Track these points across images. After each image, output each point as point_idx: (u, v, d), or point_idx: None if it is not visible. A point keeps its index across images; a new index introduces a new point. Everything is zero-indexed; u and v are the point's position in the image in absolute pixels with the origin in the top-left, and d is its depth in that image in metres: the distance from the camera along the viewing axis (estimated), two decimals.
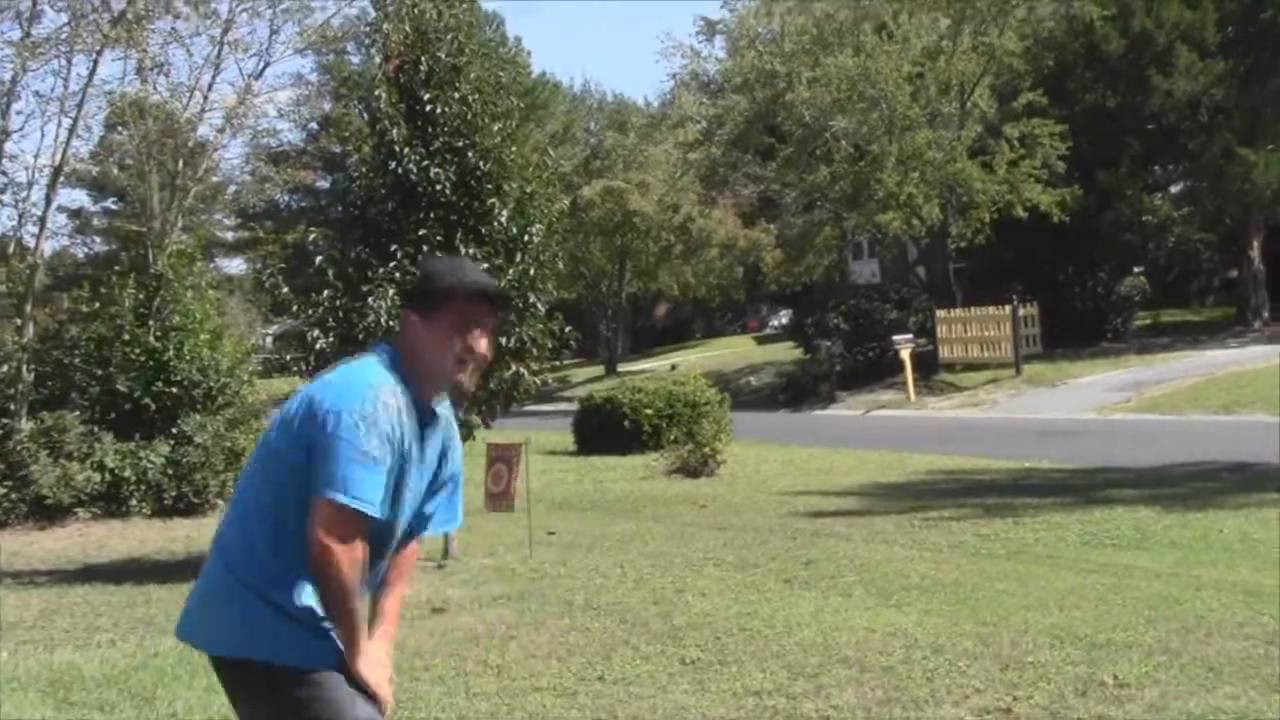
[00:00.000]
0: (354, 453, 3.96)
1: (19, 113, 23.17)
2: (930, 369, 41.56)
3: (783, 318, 62.70)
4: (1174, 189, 48.04)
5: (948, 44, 42.23)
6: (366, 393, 4.08)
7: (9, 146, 22.86)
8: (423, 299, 4.29)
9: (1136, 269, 50.09)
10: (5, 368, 22.02)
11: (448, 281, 4.26)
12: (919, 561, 13.40)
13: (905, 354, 39.67)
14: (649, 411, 28.66)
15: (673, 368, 44.75)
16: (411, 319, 4.28)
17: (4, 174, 22.75)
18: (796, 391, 44.10)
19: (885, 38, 42.13)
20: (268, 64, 25.25)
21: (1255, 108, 43.17)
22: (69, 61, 23.01)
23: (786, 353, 49.49)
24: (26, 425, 20.87)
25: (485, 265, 14.38)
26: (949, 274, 46.19)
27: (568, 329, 15.47)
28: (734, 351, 59.34)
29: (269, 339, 53.38)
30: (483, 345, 4.26)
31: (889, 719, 7.89)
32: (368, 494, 3.98)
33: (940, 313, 43.12)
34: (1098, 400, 33.57)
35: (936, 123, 43.00)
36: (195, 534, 18.87)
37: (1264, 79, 42.73)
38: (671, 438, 26.63)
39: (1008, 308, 40.77)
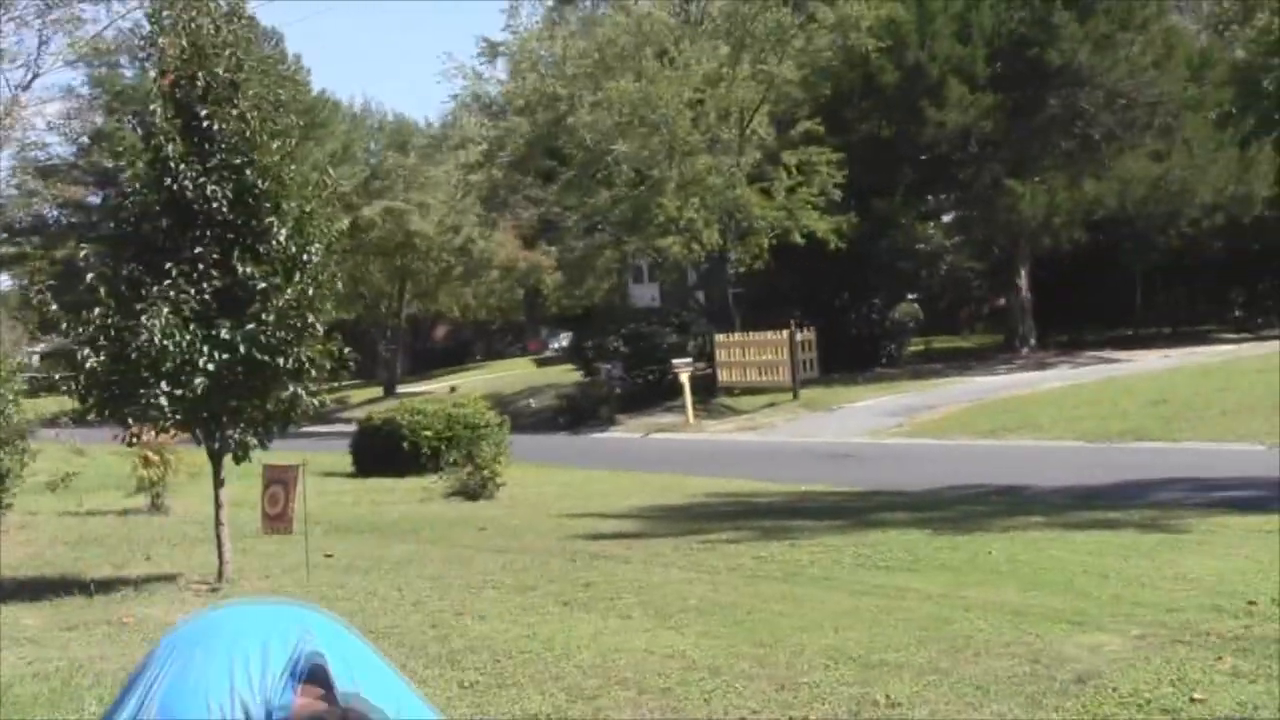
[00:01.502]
0: None
1: None
2: (709, 393, 41.97)
3: (563, 340, 62.78)
4: (946, 218, 49.33)
5: (728, 71, 42.75)
6: None
7: None
8: None
9: (910, 296, 51.30)
10: None
11: None
12: (697, 583, 13.51)
13: (684, 377, 39.95)
14: (428, 433, 28.47)
15: (452, 389, 44.50)
16: None
17: None
18: (576, 414, 44.15)
19: (667, 63, 42.50)
20: (36, 75, 24.59)
21: (1022, 141, 44.62)
22: None
23: (567, 375, 49.59)
24: None
25: (263, 284, 14.19)
26: (728, 299, 46.69)
27: (346, 350, 15.30)
28: (514, 374, 59.25)
29: (36, 357, 51.80)
30: None
31: None
32: None
33: (719, 337, 43.57)
34: (872, 424, 34.25)
35: (717, 149, 43.48)
36: None
37: (1030, 114, 44.15)
38: (451, 460, 26.47)
39: (786, 333, 41.35)
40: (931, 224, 47.89)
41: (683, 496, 22.91)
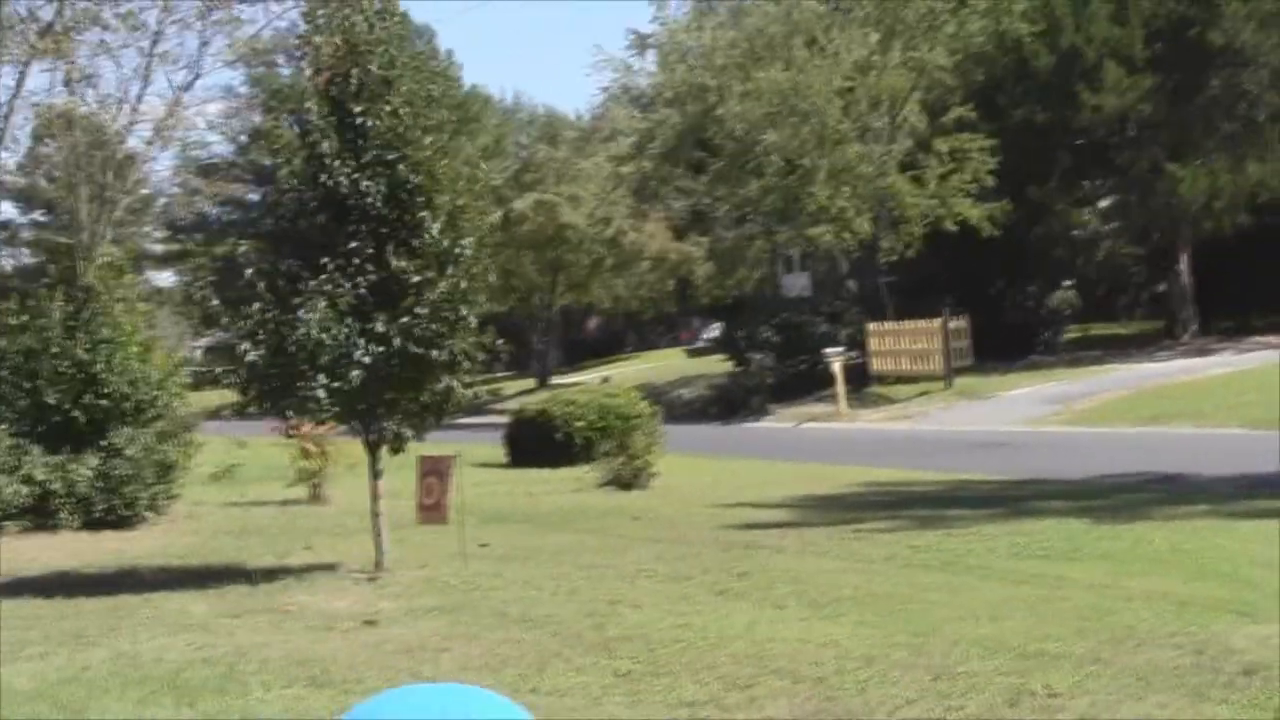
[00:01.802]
0: None
1: None
2: (862, 382, 41.66)
3: (714, 331, 62.63)
4: (1103, 203, 48.43)
5: (878, 59, 42.40)
6: None
7: None
8: None
9: (1066, 283, 50.47)
10: None
11: None
12: (851, 573, 13.44)
13: (836, 367, 39.69)
14: (581, 424, 28.60)
15: (605, 380, 44.68)
16: None
17: None
18: (728, 404, 44.10)
19: (816, 52, 42.27)
20: (197, 76, 25.04)
21: (1182, 123, 43.60)
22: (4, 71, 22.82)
23: (718, 366, 49.50)
24: None
25: (417, 278, 14.38)
26: (880, 287, 46.35)
27: (499, 342, 15.45)
28: (666, 364, 59.29)
29: (199, 352, 52.93)
30: None
31: None
32: None
33: (871, 326, 43.24)
34: (1028, 413, 33.81)
35: (867, 137, 43.18)
36: (124, 547, 18.73)
37: (1190, 95, 43.15)
38: (604, 450, 26.55)
39: (938, 321, 40.93)
40: (1087, 210, 47.01)
41: (836, 486, 22.79)
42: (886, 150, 42.34)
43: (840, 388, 39.50)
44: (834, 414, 39.06)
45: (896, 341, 42.69)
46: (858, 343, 43.01)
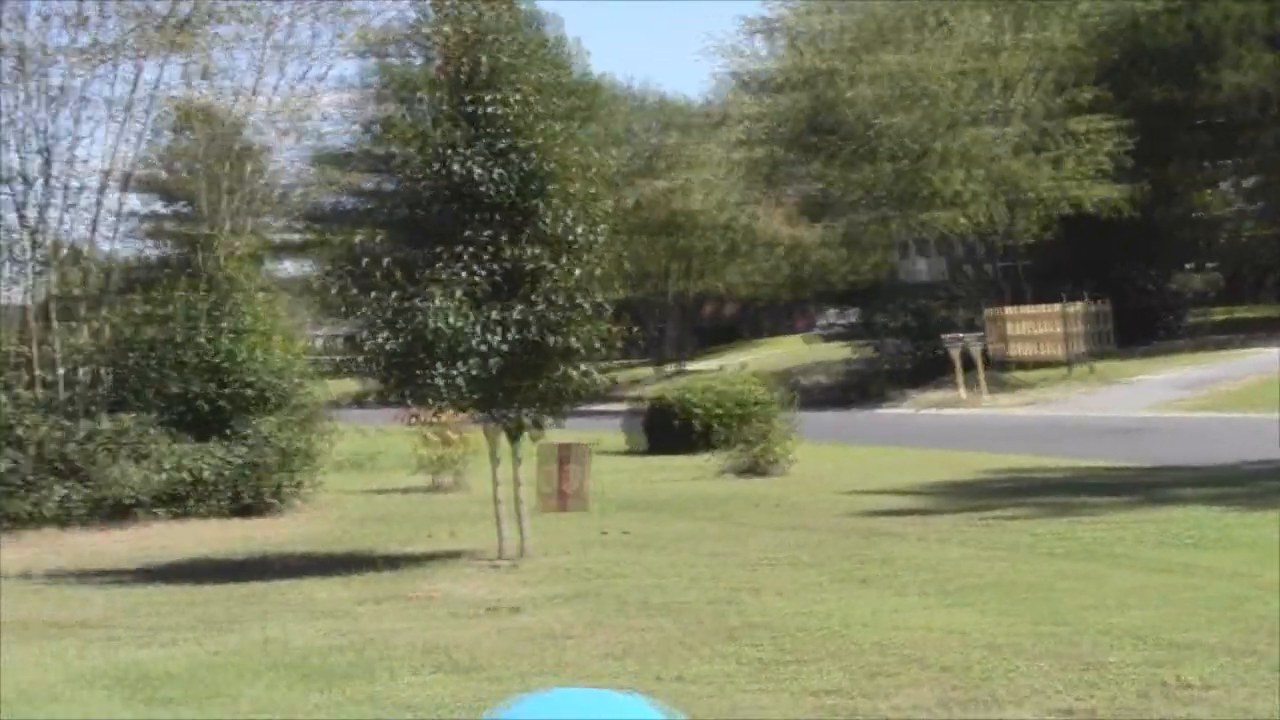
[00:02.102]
0: None
1: (89, 119, 23.35)
2: (988, 367, 41.19)
3: (836, 317, 62.37)
4: (1245, 183, 47.41)
5: (1000, 40, 41.88)
6: None
7: (79, 152, 23.05)
8: None
9: (1206, 265, 49.53)
10: (81, 370, 22.24)
11: None
12: (979, 561, 13.33)
13: (961, 352, 39.35)
14: (710, 411, 28.59)
15: (730, 367, 44.58)
16: None
17: (73, 179, 22.96)
18: (855, 390, 43.92)
19: (936, 34, 41.83)
20: (325, 67, 25.31)
21: None
22: (135, 67, 23.21)
23: (840, 352, 49.28)
24: (102, 426, 21.01)
25: (542, 265, 14.44)
26: (1005, 271, 45.85)
27: (630, 329, 15.47)
28: (788, 351, 59.16)
29: (335, 340, 53.55)
30: None
31: (949, 719, 7.83)
32: None
33: (996, 310, 42.80)
34: (1162, 397, 33.28)
35: (989, 119, 42.66)
36: (266, 534, 19.04)
37: None
38: (732, 437, 26.52)
39: (1067, 305, 40.41)
40: (1225, 189, 46.06)
41: (962, 472, 22.59)
42: (1010, 132, 41.81)
43: (960, 374, 39.13)
44: (960, 399, 38.74)
45: (1023, 326, 42.20)
46: (983, 327, 42.58)
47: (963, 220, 42.61)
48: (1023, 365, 41.39)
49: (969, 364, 39.35)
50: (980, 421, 34.11)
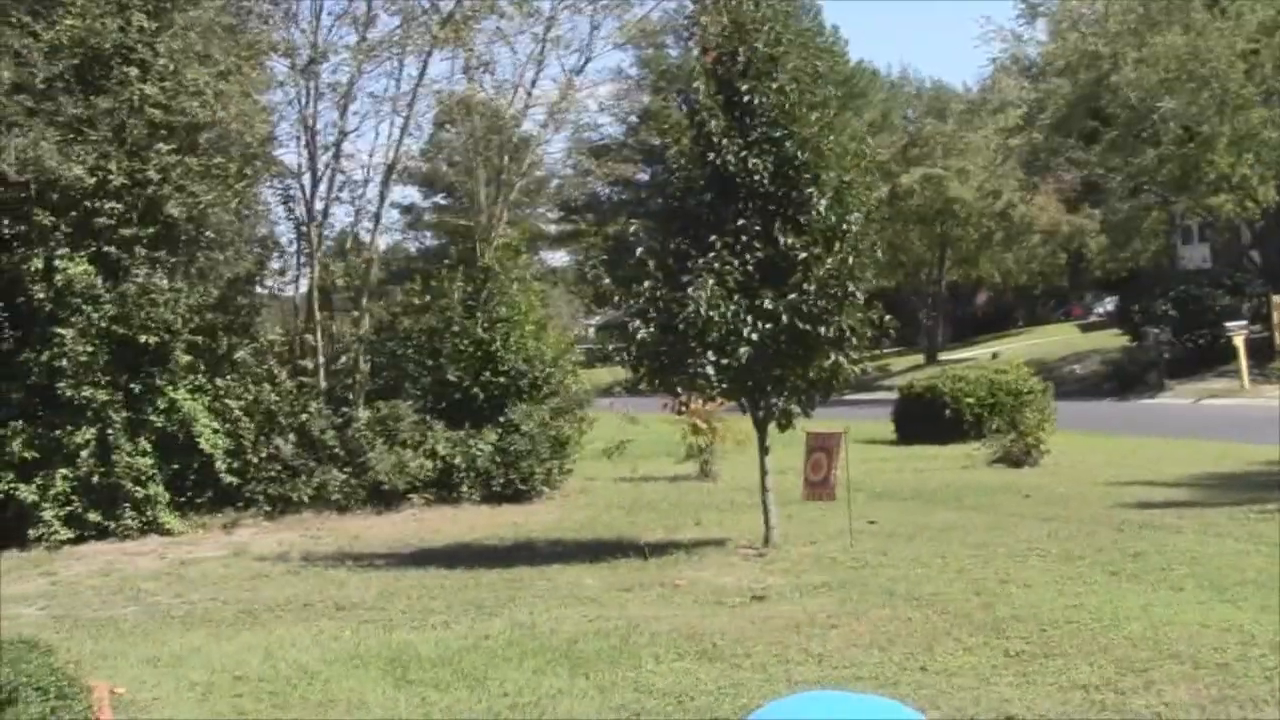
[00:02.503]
0: None
1: (355, 113, 24.07)
2: (1267, 356, 39.82)
3: (1108, 305, 60.99)
4: None
5: None
6: None
7: (346, 146, 23.75)
8: None
9: None
10: (344, 359, 22.95)
11: None
12: (1255, 555, 12.92)
13: (1239, 341, 38.16)
14: (970, 400, 28.27)
15: (994, 356, 43.94)
16: None
17: (342, 172, 23.68)
18: (1123, 380, 42.93)
19: (1217, 14, 40.54)
20: (588, 59, 25.62)
21: None
22: (400, 63, 23.87)
23: (1112, 340, 48.21)
24: (364, 414, 21.67)
25: (804, 254, 14.44)
26: None
27: (887, 318, 15.39)
28: (1057, 339, 58.01)
29: (591, 330, 54.33)
30: None
31: (1225, 718, 7.63)
32: None
33: (1277, 298, 41.30)
34: None
35: (1274, 101, 41.18)
36: (521, 520, 19.40)
37: None
38: (993, 427, 26.16)
39: None
40: None
41: (1238, 464, 21.89)
42: None
43: (1243, 363, 37.95)
44: (1237, 389, 37.55)
45: None
46: (1263, 315, 41.18)
47: (1249, 204, 41.27)
48: None
49: (1250, 353, 38.11)
50: (1259, 413, 32.82)
